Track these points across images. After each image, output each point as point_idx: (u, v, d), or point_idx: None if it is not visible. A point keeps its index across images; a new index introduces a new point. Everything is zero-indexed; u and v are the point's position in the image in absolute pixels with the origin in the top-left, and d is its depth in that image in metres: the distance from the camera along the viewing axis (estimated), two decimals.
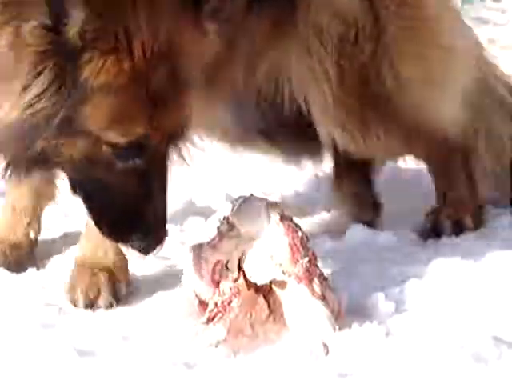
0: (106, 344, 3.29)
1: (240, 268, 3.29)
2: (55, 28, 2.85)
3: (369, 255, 3.91)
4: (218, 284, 3.28)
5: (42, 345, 3.24)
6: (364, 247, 3.99)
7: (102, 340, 3.32)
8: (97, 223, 3.30)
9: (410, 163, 4.70)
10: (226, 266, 3.29)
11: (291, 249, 3.36)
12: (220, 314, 3.25)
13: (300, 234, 3.39)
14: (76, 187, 3.26)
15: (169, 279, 3.72)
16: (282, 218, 3.40)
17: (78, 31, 2.84)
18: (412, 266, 3.78)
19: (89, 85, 2.90)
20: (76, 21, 2.83)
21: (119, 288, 3.69)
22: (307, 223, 3.53)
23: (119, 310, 3.51)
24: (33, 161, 3.13)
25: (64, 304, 3.61)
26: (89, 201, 3.25)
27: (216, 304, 3.26)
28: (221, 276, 3.29)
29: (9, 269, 3.87)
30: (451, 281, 3.62)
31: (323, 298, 3.27)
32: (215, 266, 3.29)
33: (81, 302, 3.62)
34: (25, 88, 2.91)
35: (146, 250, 3.25)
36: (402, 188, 4.73)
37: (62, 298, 3.65)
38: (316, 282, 3.29)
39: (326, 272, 3.40)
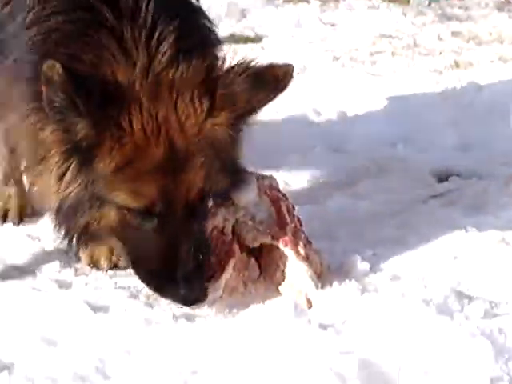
0: (116, 301, 3.30)
1: (234, 233, 3.30)
2: (68, 132, 3.01)
3: (348, 221, 3.90)
4: (215, 248, 3.28)
5: (59, 302, 3.26)
6: (343, 214, 3.98)
7: (114, 298, 3.33)
8: (142, 280, 3.25)
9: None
10: (222, 231, 3.29)
11: (278, 216, 3.37)
12: (217, 274, 3.25)
13: (286, 202, 3.40)
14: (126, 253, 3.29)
15: None
16: (271, 188, 3.41)
17: (85, 136, 2.99)
18: (385, 230, 3.80)
19: (104, 171, 3.02)
20: (80, 129, 2.98)
21: None
22: (293, 193, 3.50)
23: (129, 272, 3.48)
24: (86, 234, 3.22)
25: (79, 265, 3.60)
26: (134, 262, 3.25)
27: (213, 265, 3.26)
28: (217, 240, 3.29)
29: None
30: (418, 243, 3.63)
31: (307, 259, 3.28)
32: (212, 231, 3.28)
33: (106, 265, 3.63)
34: (59, 178, 3.08)
35: (184, 301, 3.14)
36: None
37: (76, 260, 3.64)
38: (301, 245, 3.30)
39: (310, 236, 3.37)
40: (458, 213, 3.99)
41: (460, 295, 3.17)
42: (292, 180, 3.66)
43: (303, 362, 2.72)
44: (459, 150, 4.64)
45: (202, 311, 3.19)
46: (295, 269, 3.26)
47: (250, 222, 3.33)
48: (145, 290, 3.34)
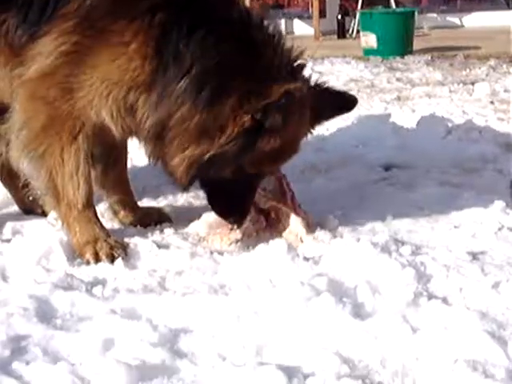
0: (174, 241, 3.21)
1: None
2: (259, 122, 2.82)
3: (325, 194, 3.82)
4: None
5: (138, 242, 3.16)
6: (322, 189, 3.91)
7: (173, 239, 3.24)
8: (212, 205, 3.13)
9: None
10: None
11: (281, 189, 3.31)
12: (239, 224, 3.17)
13: (286, 180, 3.34)
14: (209, 187, 3.09)
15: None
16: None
17: (267, 127, 2.82)
18: (350, 200, 3.71)
19: (260, 148, 2.88)
20: (269, 123, 2.82)
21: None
22: (290, 176, 3.43)
23: (183, 224, 3.41)
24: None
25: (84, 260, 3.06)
26: (213, 193, 3.09)
27: None
28: None
29: None
30: (371, 207, 3.58)
31: (300, 215, 3.22)
32: None
33: (108, 259, 2.99)
34: (227, 143, 2.84)
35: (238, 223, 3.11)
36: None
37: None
38: (296, 207, 3.25)
39: (300, 202, 3.31)
40: (397, 190, 3.90)
41: (396, 240, 3.09)
42: (289, 168, 3.55)
43: (291, 280, 2.65)
44: (397, 150, 4.54)
45: (230, 248, 3.12)
46: (293, 221, 3.19)
47: (262, 192, 3.25)
48: (192, 234, 3.27)
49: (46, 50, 2.89)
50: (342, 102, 3.13)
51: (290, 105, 2.80)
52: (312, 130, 3.18)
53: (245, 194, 3.07)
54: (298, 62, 3.01)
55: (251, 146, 2.88)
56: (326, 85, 3.08)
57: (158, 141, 2.95)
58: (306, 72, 3.05)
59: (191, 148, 2.89)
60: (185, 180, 2.97)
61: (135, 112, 2.94)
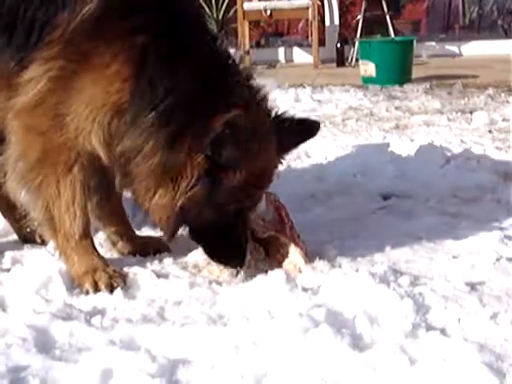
0: (173, 270, 3.23)
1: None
2: (212, 159, 2.80)
3: (323, 223, 3.82)
4: None
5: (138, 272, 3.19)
6: (320, 219, 3.92)
7: (172, 269, 3.26)
8: (209, 255, 3.13)
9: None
10: None
11: (279, 218, 3.33)
12: None
13: (284, 210, 3.37)
14: (199, 237, 3.09)
15: None
16: (274, 201, 3.37)
17: (223, 162, 2.79)
18: (348, 229, 3.72)
19: (228, 184, 2.86)
20: (224, 158, 2.79)
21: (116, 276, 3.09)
22: (289, 204, 3.45)
23: (181, 253, 3.42)
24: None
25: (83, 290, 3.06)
26: (205, 241, 3.09)
27: None
28: None
29: None
30: (369, 237, 3.59)
31: (299, 245, 3.23)
32: None
33: (107, 288, 3.00)
34: (191, 188, 2.84)
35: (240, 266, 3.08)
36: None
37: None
38: (295, 237, 3.27)
39: (299, 232, 3.33)
40: (395, 219, 3.91)
41: (395, 271, 3.09)
42: (287, 197, 3.57)
43: (289, 311, 2.66)
44: (396, 179, 4.56)
45: (228, 278, 3.13)
46: (292, 251, 3.19)
47: (261, 222, 3.27)
48: (191, 264, 3.29)
49: (35, 77, 2.85)
50: (305, 128, 3.11)
51: (237, 134, 2.75)
52: (281, 160, 3.14)
53: (235, 233, 3.03)
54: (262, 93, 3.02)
55: (217, 186, 2.86)
56: (287, 114, 3.05)
57: (124, 175, 2.94)
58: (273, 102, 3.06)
59: (159, 194, 2.88)
60: (168, 234, 3.01)
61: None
